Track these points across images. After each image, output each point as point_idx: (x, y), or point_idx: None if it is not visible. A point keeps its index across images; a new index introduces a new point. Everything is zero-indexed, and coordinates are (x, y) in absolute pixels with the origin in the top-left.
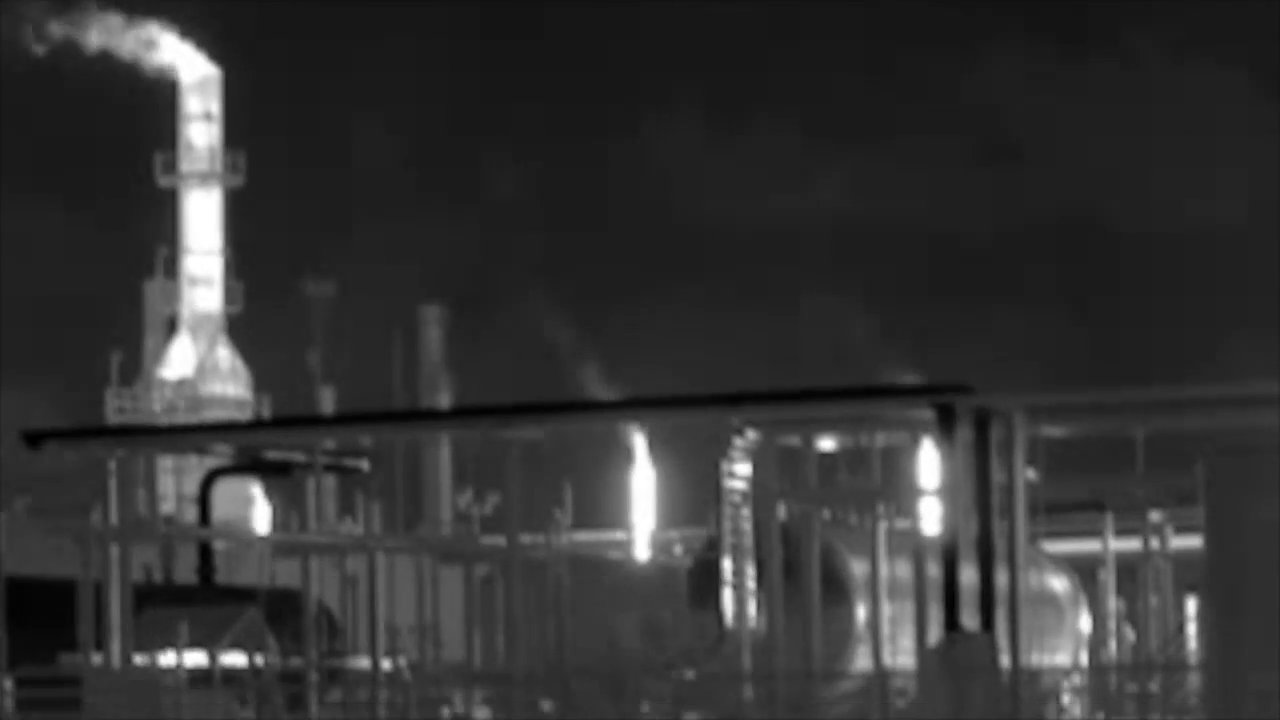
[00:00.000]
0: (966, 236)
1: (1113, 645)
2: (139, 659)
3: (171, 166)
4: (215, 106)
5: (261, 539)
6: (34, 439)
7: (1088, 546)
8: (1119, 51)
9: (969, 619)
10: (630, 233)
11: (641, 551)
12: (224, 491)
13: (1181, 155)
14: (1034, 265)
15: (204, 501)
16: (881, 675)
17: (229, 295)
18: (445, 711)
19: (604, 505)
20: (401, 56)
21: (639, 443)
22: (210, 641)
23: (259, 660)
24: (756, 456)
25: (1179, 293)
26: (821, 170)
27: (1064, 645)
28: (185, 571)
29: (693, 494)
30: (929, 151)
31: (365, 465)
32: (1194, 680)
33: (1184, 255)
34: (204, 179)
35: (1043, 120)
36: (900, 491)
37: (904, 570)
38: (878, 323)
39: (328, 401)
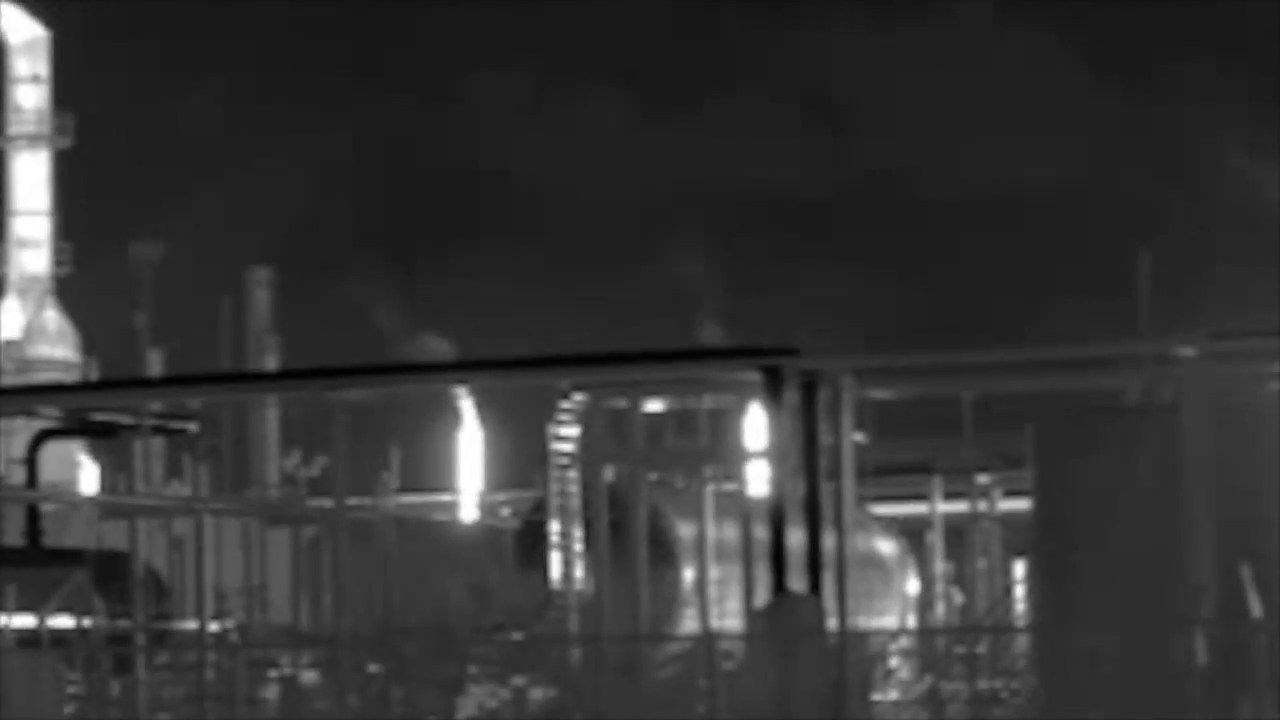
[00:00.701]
0: (794, 201)
1: (940, 608)
2: None
3: None
4: (43, 68)
5: (89, 501)
6: None
7: (915, 509)
8: (940, 17)
9: (796, 581)
10: (459, 198)
11: (469, 513)
12: (51, 453)
13: (997, 123)
14: (861, 230)
15: (31, 464)
16: (709, 637)
17: (57, 257)
18: (272, 674)
19: (432, 468)
20: (231, 23)
21: (467, 405)
22: (38, 604)
23: (86, 623)
24: (584, 419)
25: (1001, 257)
26: (648, 135)
27: (891, 607)
28: (13, 534)
29: (520, 456)
30: (756, 116)
31: (193, 427)
32: (1021, 643)
33: (1004, 221)
34: (32, 141)
35: (868, 86)
36: (727, 454)
37: (731, 532)
38: (705, 286)
39: (155, 364)
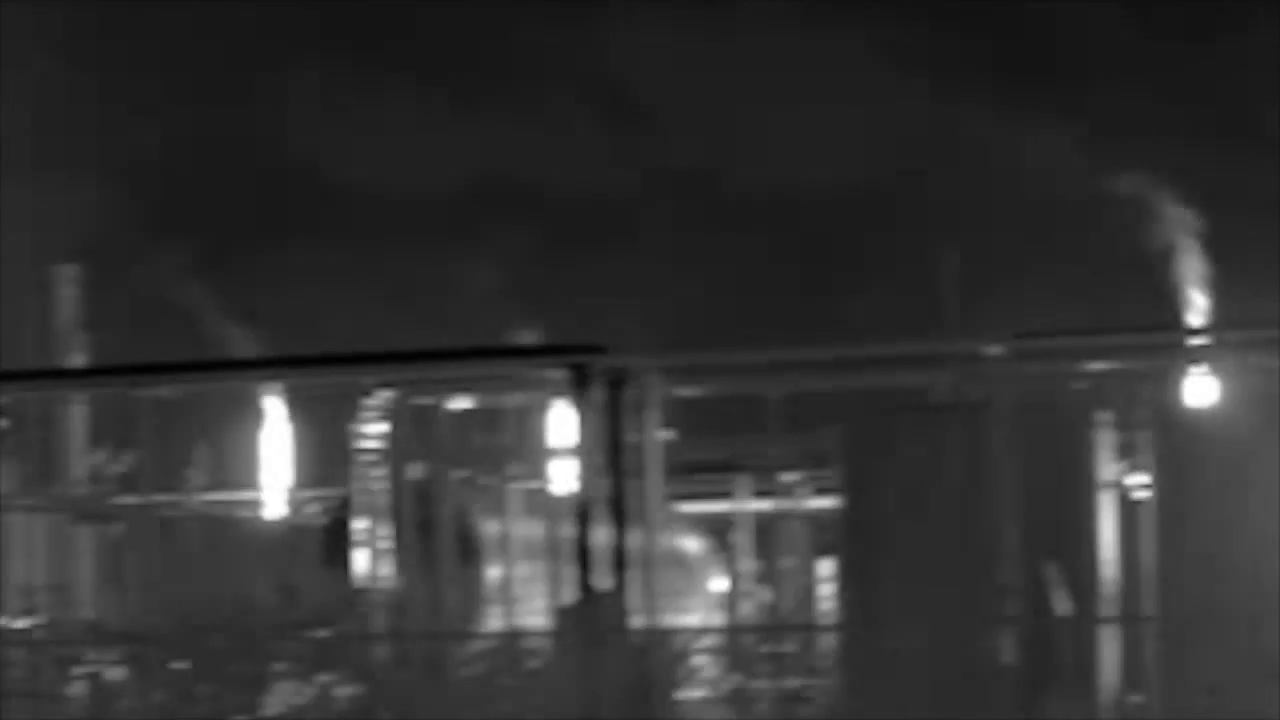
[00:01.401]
0: (600, 199)
1: (746, 606)
2: None
3: None
4: None
5: None
6: None
7: (722, 507)
8: (746, 15)
9: (601, 579)
10: (268, 196)
11: (275, 511)
12: None
13: (803, 122)
14: (667, 228)
15: None
16: (514, 635)
17: None
18: (77, 671)
19: (238, 465)
20: (38, 22)
21: (273, 402)
22: None
23: None
24: (389, 416)
25: (808, 254)
26: (456, 133)
27: (697, 606)
28: None
29: (326, 453)
30: (563, 114)
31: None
32: (828, 642)
33: (811, 218)
34: None
35: (674, 84)
36: (533, 452)
37: (537, 530)
38: (511, 284)
39: None
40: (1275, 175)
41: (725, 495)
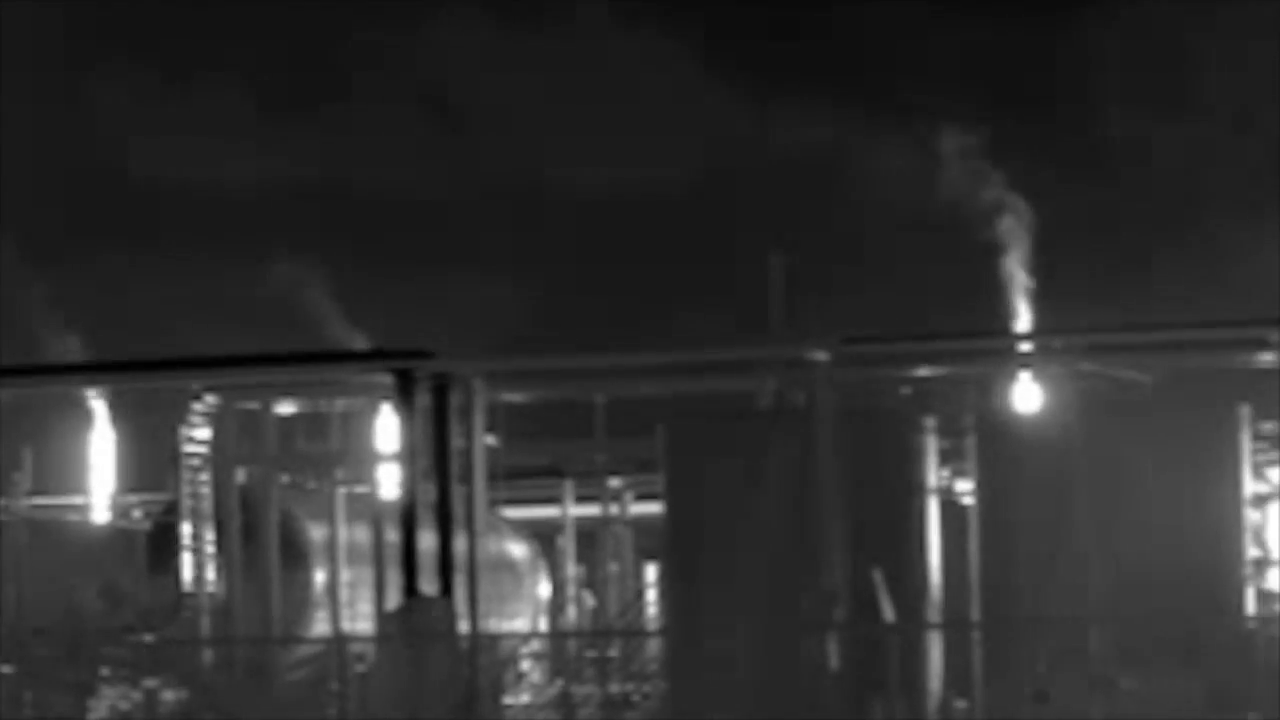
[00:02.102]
0: (421, 203)
1: (572, 611)
2: None
3: None
4: None
5: None
6: None
7: (547, 512)
8: (556, 16)
9: (427, 584)
10: (82, 199)
11: (101, 515)
12: None
13: (619, 123)
14: (486, 231)
15: None
16: (340, 639)
17: None
18: None
19: (64, 469)
20: None
21: (99, 406)
22: None
23: None
24: (215, 420)
25: (629, 258)
26: (268, 136)
27: (523, 611)
28: None
29: (152, 458)
30: (375, 116)
31: None
32: (653, 646)
33: (631, 221)
34: None
35: (486, 85)
36: (359, 456)
37: (362, 535)
38: (336, 288)
39: None
40: (1098, 186)
41: (551, 500)
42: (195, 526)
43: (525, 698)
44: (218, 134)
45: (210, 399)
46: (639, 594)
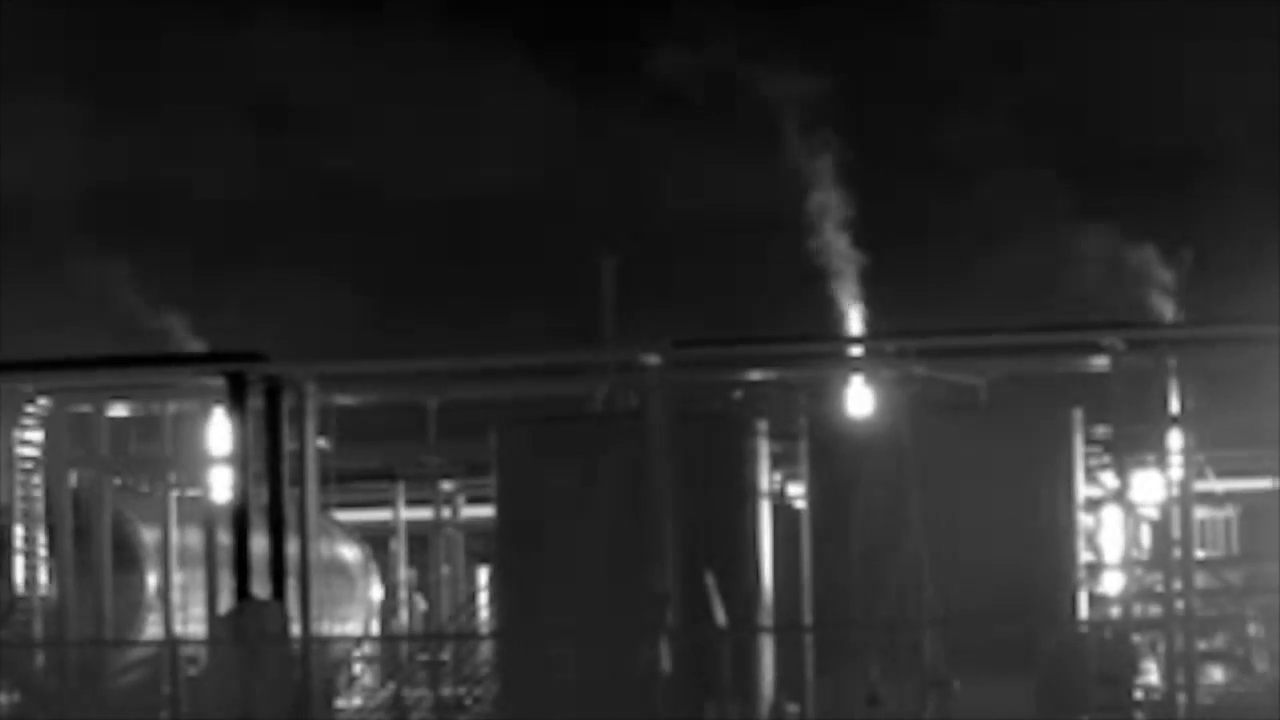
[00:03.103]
0: (250, 204)
1: (404, 614)
2: None
3: None
4: None
5: None
6: None
7: (379, 515)
8: (390, 16)
9: (260, 587)
10: None
11: None
12: None
13: (451, 124)
14: (320, 233)
15: None
16: (172, 642)
17: None
18: None
19: None
20: None
21: None
22: None
23: None
24: (47, 423)
25: (463, 261)
26: (103, 137)
27: (355, 614)
28: None
29: None
30: (209, 117)
31: None
32: (485, 650)
33: (464, 225)
34: None
35: (319, 86)
36: (191, 459)
37: (195, 538)
38: (167, 291)
39: None
40: (923, 196)
41: (383, 504)
42: (28, 529)
43: (357, 701)
44: (52, 137)
45: (42, 402)
46: (471, 597)
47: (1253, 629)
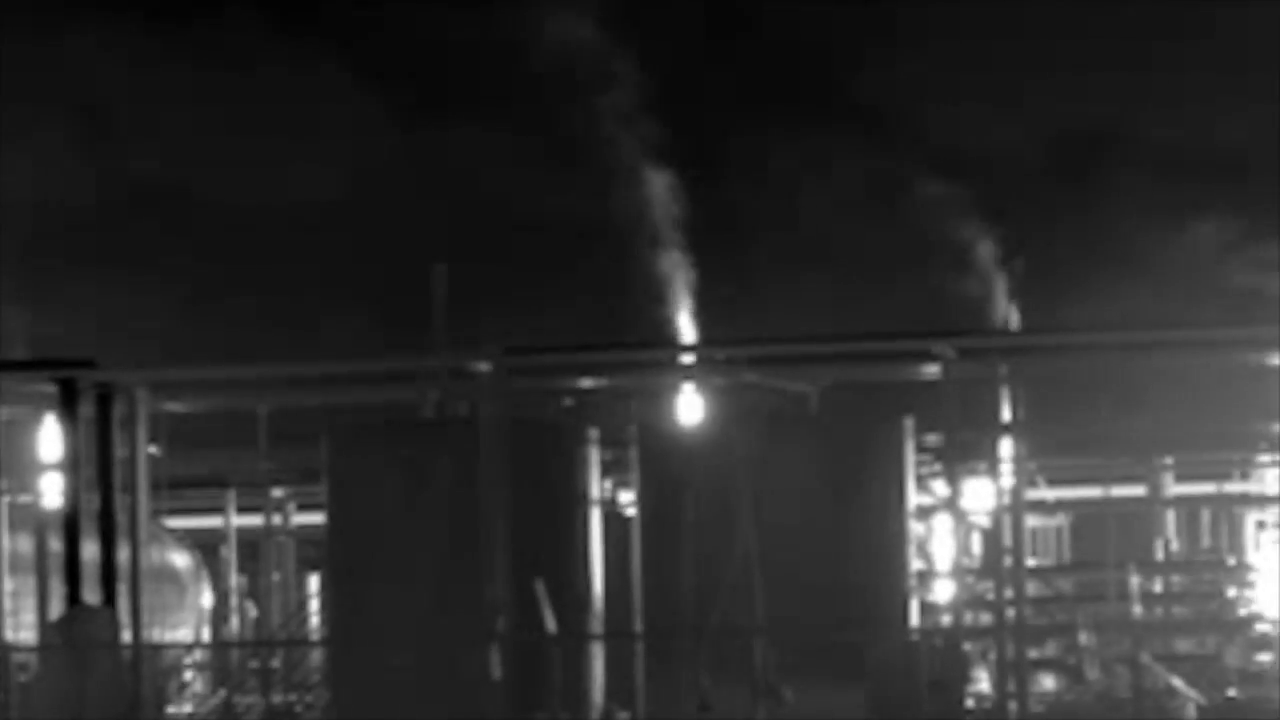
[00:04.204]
0: (76, 208)
1: (235, 621)
2: None
3: None
4: None
5: None
6: None
7: (210, 522)
8: (205, 22)
9: (90, 594)
10: None
11: None
12: None
13: (275, 130)
14: (148, 239)
15: None
16: (3, 649)
17: None
18: None
19: None
20: None
21: None
22: None
23: None
24: None
25: (293, 269)
26: None
27: (186, 621)
28: None
29: None
30: (24, 123)
31: None
32: (317, 657)
33: (294, 232)
34: None
35: (137, 92)
36: (22, 465)
37: (26, 544)
38: None
39: None
40: (751, 204)
41: (214, 510)
42: None
43: (188, 708)
44: None
45: None
46: (301, 604)
47: (1084, 637)
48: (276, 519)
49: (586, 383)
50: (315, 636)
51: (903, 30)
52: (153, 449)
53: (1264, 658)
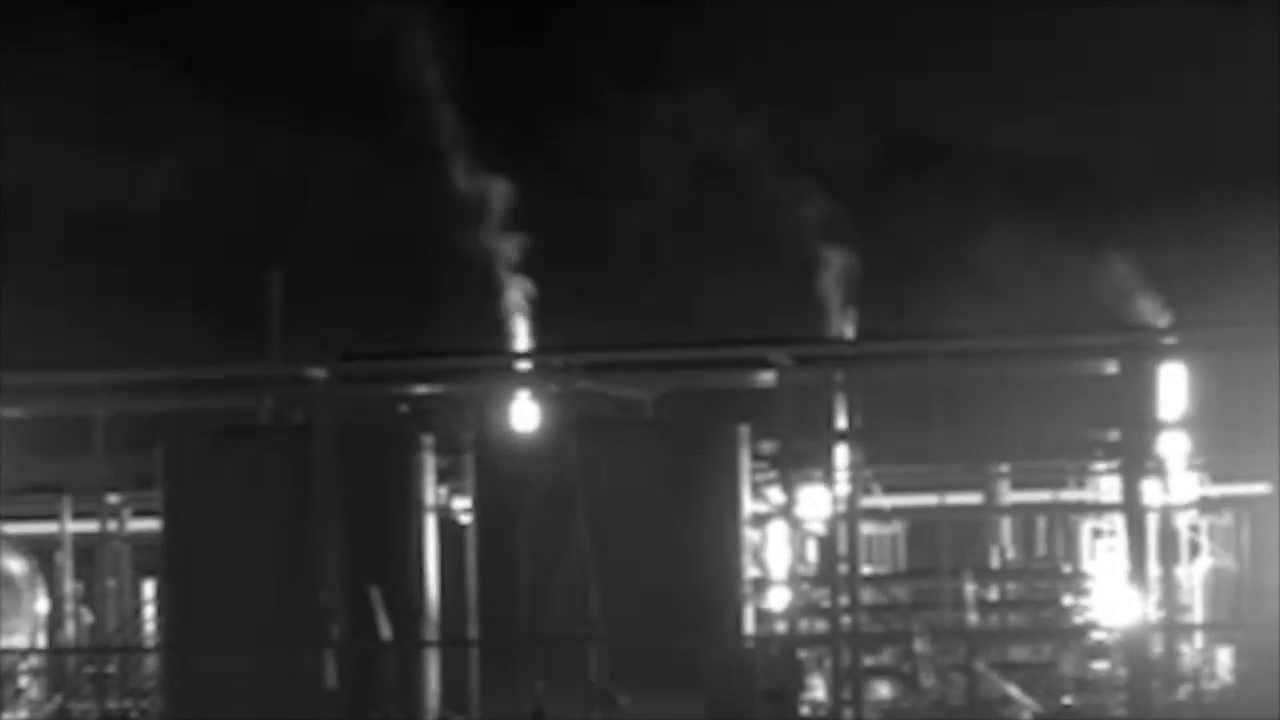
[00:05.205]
0: None
1: (70, 627)
2: None
3: None
4: None
5: None
6: None
7: (45, 528)
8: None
9: None
10: None
11: None
12: None
13: (98, 139)
14: None
15: None
16: None
17: None
18: None
19: None
20: None
21: None
22: None
23: None
24: None
25: (121, 276)
26: None
27: (21, 627)
28: None
29: None
30: None
31: None
32: (152, 663)
33: (121, 240)
34: None
35: None
36: None
37: None
38: None
39: None
40: (586, 209)
41: (49, 516)
42: None
43: (23, 714)
44: None
45: None
46: (137, 610)
47: (919, 645)
48: (112, 525)
49: (422, 389)
50: (151, 643)
51: (741, 32)
52: None
53: (1100, 665)
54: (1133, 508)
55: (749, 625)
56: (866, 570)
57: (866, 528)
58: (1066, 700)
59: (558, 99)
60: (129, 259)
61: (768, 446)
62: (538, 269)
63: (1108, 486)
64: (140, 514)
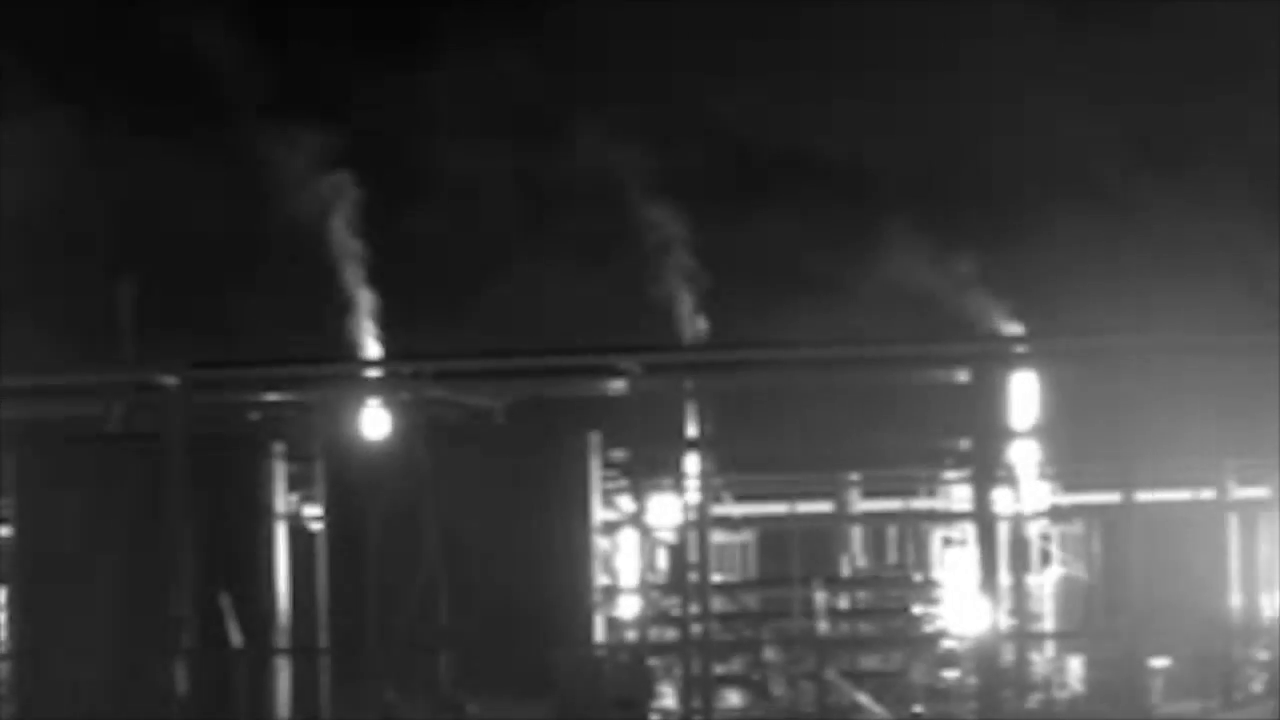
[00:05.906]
0: None
1: None
2: None
3: None
4: None
5: None
6: None
7: None
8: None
9: None
10: None
11: None
12: None
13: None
14: None
15: None
16: None
17: None
18: None
19: None
20: None
21: None
22: None
23: None
24: None
25: None
26: None
27: None
28: None
29: None
30: None
31: None
32: (2, 671)
33: None
34: None
35: None
36: None
37: None
38: None
39: None
40: (438, 217)
41: None
42: None
43: None
44: None
45: None
46: None
47: (769, 653)
48: None
49: (272, 398)
50: (1, 649)
51: (582, 35)
52: None
53: (950, 674)
54: (984, 516)
55: (599, 633)
56: (717, 578)
57: (717, 536)
58: (917, 709)
59: (407, 104)
60: None
61: (618, 454)
62: (389, 276)
63: (959, 495)
64: None
